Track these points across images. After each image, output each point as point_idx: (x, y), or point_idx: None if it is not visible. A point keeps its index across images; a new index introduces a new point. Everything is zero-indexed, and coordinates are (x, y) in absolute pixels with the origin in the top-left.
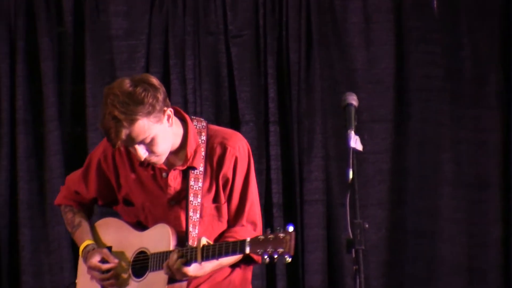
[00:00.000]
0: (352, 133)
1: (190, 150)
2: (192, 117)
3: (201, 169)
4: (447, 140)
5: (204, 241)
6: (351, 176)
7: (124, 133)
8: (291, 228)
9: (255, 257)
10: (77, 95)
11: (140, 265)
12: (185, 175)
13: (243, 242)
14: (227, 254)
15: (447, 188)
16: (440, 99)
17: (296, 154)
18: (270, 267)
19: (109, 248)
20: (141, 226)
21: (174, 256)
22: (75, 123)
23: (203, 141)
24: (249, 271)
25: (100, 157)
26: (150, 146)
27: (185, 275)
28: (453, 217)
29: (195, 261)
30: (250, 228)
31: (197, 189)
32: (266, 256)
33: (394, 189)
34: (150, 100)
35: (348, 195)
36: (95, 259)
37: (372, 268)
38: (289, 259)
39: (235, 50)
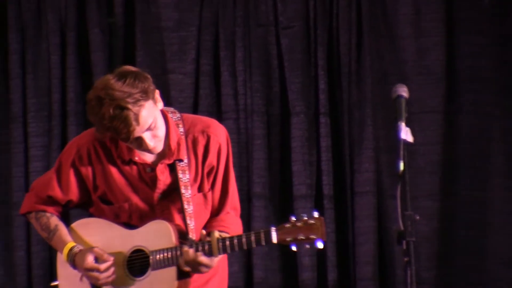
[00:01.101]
0: (403, 125)
1: (173, 143)
2: (165, 108)
3: (186, 160)
4: (497, 131)
5: (217, 234)
6: (401, 167)
7: (134, 119)
8: (317, 214)
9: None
10: None
11: (138, 263)
12: (171, 168)
13: (268, 232)
14: (249, 245)
15: (498, 179)
16: (490, 90)
17: (347, 146)
18: (322, 259)
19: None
20: (126, 224)
21: (190, 251)
22: None
23: (182, 133)
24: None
25: (75, 158)
26: (154, 130)
27: (207, 266)
28: (504, 208)
29: (210, 254)
30: (233, 213)
31: (186, 180)
32: (294, 246)
33: (445, 180)
34: (143, 84)
35: (399, 187)
36: (90, 260)
37: (423, 259)
38: (322, 245)
39: (286, 41)
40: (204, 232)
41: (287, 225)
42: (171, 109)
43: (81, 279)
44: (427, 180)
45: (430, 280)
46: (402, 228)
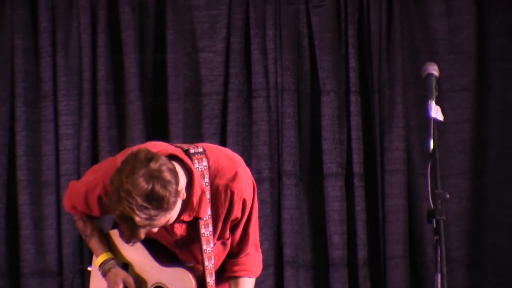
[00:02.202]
0: (433, 103)
1: (195, 199)
2: (191, 151)
3: (209, 213)
4: None
5: None
6: (432, 146)
7: (142, 230)
8: None
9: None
10: (158, 65)
11: None
12: (191, 223)
13: None
14: None
15: None
16: None
17: (377, 124)
18: (352, 237)
19: (127, 265)
20: (156, 253)
21: None
22: (156, 93)
23: (206, 184)
24: None
25: (101, 193)
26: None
27: None
28: None
29: None
30: (253, 251)
31: (208, 235)
32: None
33: (475, 158)
34: (168, 197)
35: (429, 165)
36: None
37: (453, 238)
38: None
39: (316, 19)
40: None
41: None
42: (200, 150)
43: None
44: (458, 158)
45: (460, 258)
46: (432, 206)
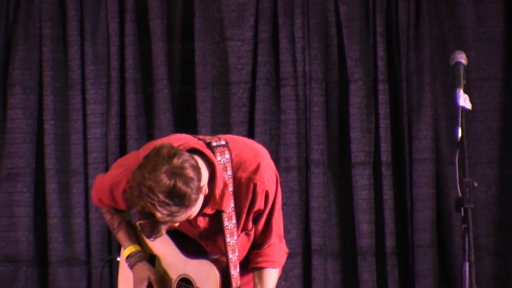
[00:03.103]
0: (461, 92)
1: (218, 191)
2: (214, 144)
3: (232, 205)
4: None
5: None
6: (460, 134)
7: (163, 229)
8: None
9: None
10: (186, 54)
11: None
12: (213, 216)
13: None
14: None
15: None
16: None
17: (405, 113)
18: (380, 226)
19: (154, 257)
20: (182, 246)
21: None
22: (184, 82)
23: (229, 176)
24: None
25: (125, 188)
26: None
27: None
28: None
29: None
30: (277, 241)
31: (232, 227)
32: None
33: (503, 147)
34: (189, 194)
35: (457, 154)
36: (143, 286)
37: (481, 227)
38: None
39: (344, 8)
40: None
41: None
42: (222, 142)
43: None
44: (486, 147)
45: (489, 247)
46: (460, 195)
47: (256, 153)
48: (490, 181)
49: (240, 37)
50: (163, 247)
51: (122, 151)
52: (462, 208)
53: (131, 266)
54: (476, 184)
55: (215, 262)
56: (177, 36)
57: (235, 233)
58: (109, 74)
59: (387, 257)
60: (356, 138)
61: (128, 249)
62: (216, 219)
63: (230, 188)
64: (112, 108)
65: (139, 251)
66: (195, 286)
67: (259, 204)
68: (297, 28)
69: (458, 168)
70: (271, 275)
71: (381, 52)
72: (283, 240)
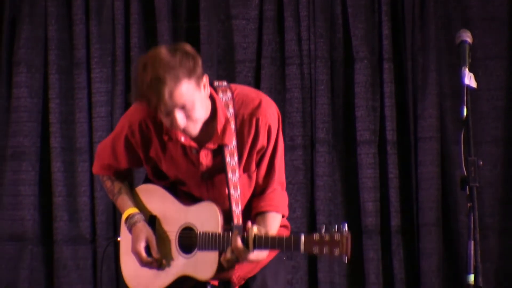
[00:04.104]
0: (466, 70)
1: (219, 126)
2: (216, 84)
3: (234, 143)
4: None
5: (255, 230)
6: (465, 113)
7: (168, 93)
8: (346, 229)
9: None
10: (191, 32)
11: (187, 240)
12: (217, 152)
13: (297, 239)
14: (280, 247)
15: None
16: None
17: (410, 92)
18: (385, 205)
19: (154, 217)
20: (182, 197)
21: (238, 242)
22: None
23: (231, 114)
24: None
25: (127, 133)
26: (189, 111)
27: (248, 259)
28: None
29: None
30: (279, 189)
31: (233, 164)
32: (321, 255)
33: (508, 126)
34: (191, 64)
35: (463, 132)
36: (141, 246)
37: (486, 205)
38: (346, 259)
39: None
40: (249, 225)
41: (315, 237)
42: (224, 84)
43: None
44: (491, 126)
45: (494, 226)
46: (465, 173)
47: (257, 92)
48: (495, 160)
49: (245, 16)
50: (162, 204)
51: None
52: (467, 187)
53: (130, 228)
54: (481, 163)
55: (216, 202)
56: (182, 15)
57: (236, 171)
58: (114, 53)
59: (392, 235)
60: (361, 117)
61: (126, 212)
62: (219, 157)
63: (232, 126)
64: (117, 87)
65: (137, 213)
66: (197, 231)
67: (262, 141)
68: (302, 7)
69: (463, 146)
70: (275, 219)
71: (386, 30)
72: (285, 191)
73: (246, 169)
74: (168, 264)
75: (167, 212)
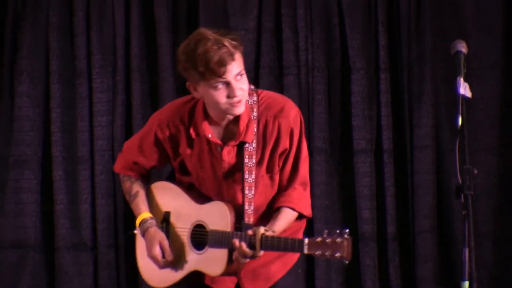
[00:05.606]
0: (461, 80)
1: (242, 124)
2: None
3: (254, 145)
4: None
5: (262, 230)
6: (460, 122)
7: (229, 56)
8: (347, 233)
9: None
10: None
11: (199, 238)
12: (239, 151)
13: (301, 242)
14: (285, 249)
15: None
16: None
17: (406, 101)
18: (381, 212)
19: (168, 213)
20: (195, 195)
21: (243, 246)
22: None
23: (255, 117)
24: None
25: (157, 130)
26: (241, 82)
27: (256, 258)
28: None
29: (253, 249)
30: (301, 189)
31: (251, 165)
32: (323, 258)
33: (503, 134)
34: (234, 37)
35: (458, 141)
36: (156, 250)
37: (481, 213)
38: (346, 262)
39: None
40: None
41: (318, 239)
42: (252, 87)
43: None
44: (486, 134)
45: (488, 234)
46: (460, 181)
47: (282, 96)
48: (490, 168)
49: (243, 27)
50: (176, 201)
51: (128, 138)
52: (462, 195)
53: (143, 233)
54: (476, 171)
55: (231, 199)
56: (182, 25)
57: (253, 172)
58: (115, 63)
59: (389, 242)
60: (358, 126)
61: (140, 216)
62: (239, 155)
63: (255, 127)
64: (118, 97)
65: (149, 218)
66: (207, 229)
67: (284, 143)
68: (299, 18)
69: (459, 155)
70: (287, 215)
71: (382, 41)
72: (308, 191)
73: (269, 170)
74: (182, 260)
75: (179, 209)
